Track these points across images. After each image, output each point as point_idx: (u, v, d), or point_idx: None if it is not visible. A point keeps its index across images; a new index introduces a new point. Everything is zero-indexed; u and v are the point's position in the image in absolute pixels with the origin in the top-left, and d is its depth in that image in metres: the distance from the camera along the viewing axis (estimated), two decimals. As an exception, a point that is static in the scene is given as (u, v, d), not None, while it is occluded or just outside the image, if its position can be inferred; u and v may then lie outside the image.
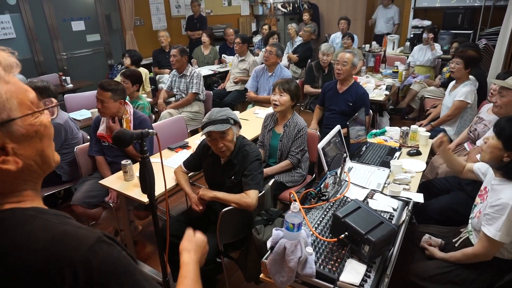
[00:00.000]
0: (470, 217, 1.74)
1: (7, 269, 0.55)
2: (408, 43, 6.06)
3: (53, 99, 2.60)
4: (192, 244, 1.02)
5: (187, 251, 0.99)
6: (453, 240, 1.79)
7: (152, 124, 3.11)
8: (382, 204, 1.76)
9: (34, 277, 0.55)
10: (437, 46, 5.22)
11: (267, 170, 2.44)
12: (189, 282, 0.88)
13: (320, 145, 2.01)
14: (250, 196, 1.85)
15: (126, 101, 2.59)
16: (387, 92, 4.02)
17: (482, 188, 1.75)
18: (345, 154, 2.16)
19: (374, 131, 2.83)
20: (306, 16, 6.92)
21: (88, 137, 2.95)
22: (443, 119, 3.27)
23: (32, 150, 0.60)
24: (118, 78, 3.65)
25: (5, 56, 0.58)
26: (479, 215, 1.61)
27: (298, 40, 6.09)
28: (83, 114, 3.57)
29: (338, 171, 1.90)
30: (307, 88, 4.42)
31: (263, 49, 4.53)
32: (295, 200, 1.46)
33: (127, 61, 4.27)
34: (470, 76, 3.56)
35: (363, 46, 6.37)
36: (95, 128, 2.60)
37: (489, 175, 1.74)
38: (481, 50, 4.24)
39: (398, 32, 6.63)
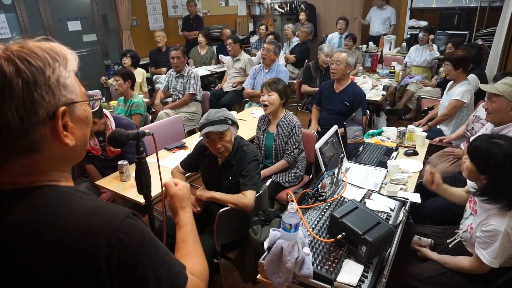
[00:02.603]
0: (461, 223, 1.73)
1: (49, 237, 0.59)
2: (404, 44, 6.08)
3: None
4: (184, 200, 0.97)
5: (182, 209, 0.95)
6: (448, 241, 1.79)
7: (149, 125, 3.11)
8: (379, 204, 1.76)
9: (72, 246, 0.59)
10: (435, 47, 5.23)
11: (263, 172, 2.43)
12: (189, 247, 0.88)
13: (317, 145, 2.01)
14: (247, 197, 1.85)
15: (106, 113, 2.44)
16: (384, 93, 4.03)
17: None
18: (342, 154, 2.17)
19: (371, 131, 2.83)
20: (302, 16, 6.92)
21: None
22: (439, 118, 3.29)
23: (81, 133, 0.69)
24: (112, 80, 3.62)
25: (72, 52, 0.69)
26: (470, 231, 1.59)
27: (295, 41, 6.09)
28: (79, 115, 3.54)
29: (335, 171, 1.90)
30: (305, 87, 4.42)
31: (261, 49, 4.53)
32: (292, 201, 1.46)
33: (127, 61, 4.24)
34: (472, 75, 3.57)
35: (360, 46, 6.38)
36: None
37: None
38: (478, 49, 4.23)
39: (394, 32, 6.65)
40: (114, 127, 2.45)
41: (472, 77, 3.61)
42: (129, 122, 2.58)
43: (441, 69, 4.76)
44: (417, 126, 3.25)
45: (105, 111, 2.49)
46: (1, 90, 0.57)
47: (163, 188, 1.02)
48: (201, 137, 1.95)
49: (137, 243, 0.63)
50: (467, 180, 1.76)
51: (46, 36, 0.70)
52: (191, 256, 0.86)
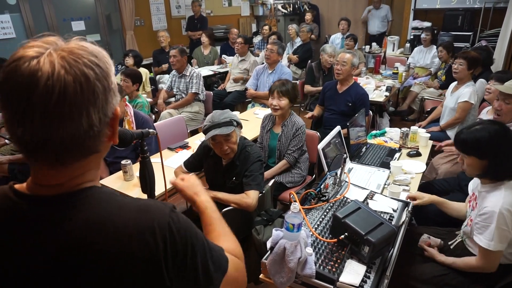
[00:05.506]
0: (463, 224, 1.74)
1: (111, 241, 0.60)
2: (408, 45, 6.07)
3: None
4: (195, 187, 1.00)
5: (196, 196, 0.98)
6: (449, 243, 1.79)
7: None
8: (382, 205, 1.76)
9: (135, 247, 0.60)
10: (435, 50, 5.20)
11: (265, 174, 2.43)
12: (218, 228, 0.90)
13: (320, 146, 2.01)
14: (250, 197, 1.85)
15: (126, 102, 2.60)
16: (387, 93, 4.03)
17: (470, 193, 1.75)
18: (345, 155, 2.16)
19: (374, 132, 2.83)
20: (308, 16, 6.93)
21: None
22: (451, 122, 3.21)
23: (115, 129, 0.69)
24: (118, 78, 3.65)
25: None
26: (470, 223, 1.60)
27: (298, 41, 6.09)
28: (83, 114, 3.56)
29: (338, 172, 1.90)
30: (308, 87, 4.43)
31: (264, 49, 4.54)
32: (295, 201, 1.46)
33: (130, 61, 4.26)
34: (482, 80, 3.55)
35: (363, 47, 6.37)
36: None
37: (475, 180, 1.73)
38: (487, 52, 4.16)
39: (396, 32, 6.67)
40: (133, 116, 2.58)
41: (481, 81, 3.56)
42: (147, 118, 2.68)
43: (439, 72, 4.76)
44: (419, 128, 3.25)
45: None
46: (87, 95, 0.58)
47: (167, 187, 1.04)
48: (204, 137, 1.96)
49: (185, 234, 0.66)
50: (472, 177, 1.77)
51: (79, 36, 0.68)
52: (223, 236, 0.89)
